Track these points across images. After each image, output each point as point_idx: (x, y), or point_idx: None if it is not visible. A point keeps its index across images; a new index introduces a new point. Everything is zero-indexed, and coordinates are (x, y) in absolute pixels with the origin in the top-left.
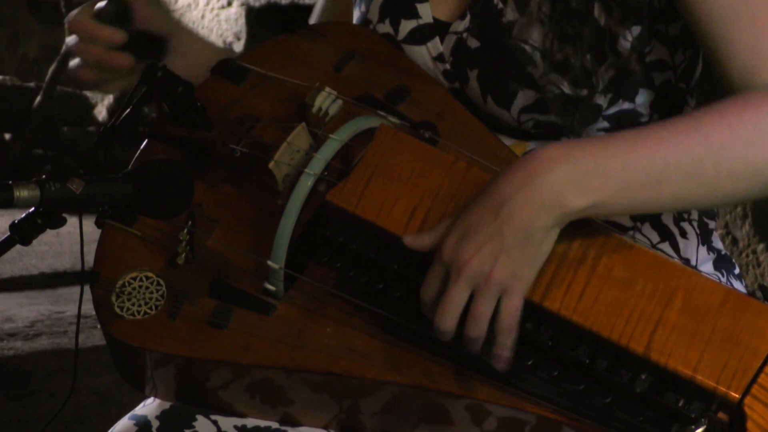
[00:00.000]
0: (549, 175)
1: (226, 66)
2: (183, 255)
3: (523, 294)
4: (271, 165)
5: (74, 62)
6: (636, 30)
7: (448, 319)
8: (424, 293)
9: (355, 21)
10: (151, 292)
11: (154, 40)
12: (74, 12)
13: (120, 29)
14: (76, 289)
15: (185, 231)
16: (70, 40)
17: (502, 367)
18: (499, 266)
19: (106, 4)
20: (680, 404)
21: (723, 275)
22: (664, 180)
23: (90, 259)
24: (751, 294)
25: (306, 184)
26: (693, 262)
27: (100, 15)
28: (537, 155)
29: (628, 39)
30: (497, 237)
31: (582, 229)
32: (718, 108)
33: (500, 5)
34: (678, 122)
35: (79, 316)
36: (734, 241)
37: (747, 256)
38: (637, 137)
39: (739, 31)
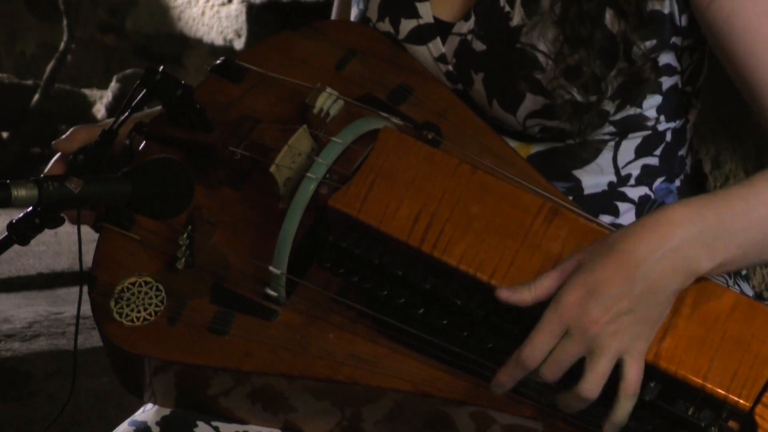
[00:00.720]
0: (682, 237)
1: (225, 65)
2: (183, 259)
3: (644, 357)
4: (272, 169)
5: None
6: (651, 43)
7: (555, 373)
8: (531, 352)
9: (353, 18)
10: (151, 298)
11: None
12: (48, 166)
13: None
14: (75, 289)
15: (185, 235)
16: None
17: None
18: (628, 328)
19: (75, 156)
20: (690, 413)
21: (730, 277)
22: None
23: (88, 260)
24: (758, 295)
25: (308, 188)
26: None
27: (71, 167)
28: (666, 215)
29: (641, 48)
30: (628, 298)
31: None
32: None
33: (507, 8)
34: None
35: (78, 317)
36: None
37: None
38: (752, 194)
39: None
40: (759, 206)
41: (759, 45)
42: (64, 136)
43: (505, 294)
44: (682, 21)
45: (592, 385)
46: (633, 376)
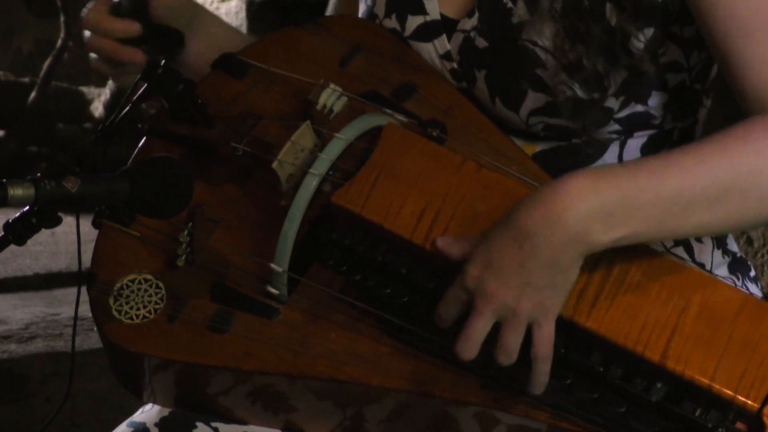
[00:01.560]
0: (575, 210)
1: (227, 61)
2: (183, 257)
3: (553, 321)
4: (274, 165)
5: (92, 55)
6: (649, 32)
7: (469, 348)
8: (443, 313)
9: (360, 15)
10: (150, 295)
11: (171, 34)
12: (89, 4)
13: (134, 22)
14: (72, 290)
15: (185, 232)
16: (86, 33)
17: (539, 390)
18: (526, 299)
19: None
20: (697, 414)
21: (738, 278)
22: (689, 210)
23: (87, 260)
24: (767, 295)
25: (311, 184)
26: (708, 267)
27: (115, 9)
28: (563, 186)
29: (641, 40)
30: (522, 271)
31: None
32: (742, 132)
33: (509, 4)
34: (703, 149)
35: (75, 318)
36: (749, 241)
37: (762, 256)
38: (664, 167)
39: (756, 44)
40: (669, 180)
41: (732, 24)
42: None
43: (441, 243)
44: (676, 6)
45: (503, 356)
46: (541, 340)
